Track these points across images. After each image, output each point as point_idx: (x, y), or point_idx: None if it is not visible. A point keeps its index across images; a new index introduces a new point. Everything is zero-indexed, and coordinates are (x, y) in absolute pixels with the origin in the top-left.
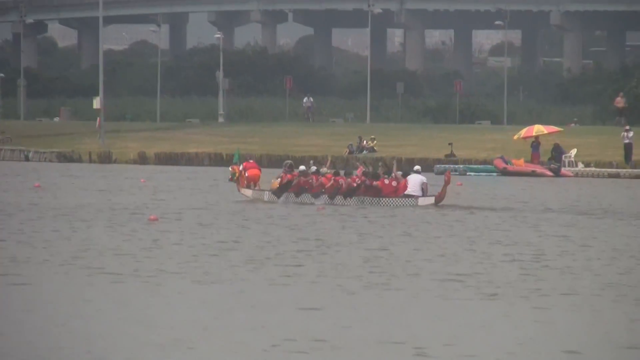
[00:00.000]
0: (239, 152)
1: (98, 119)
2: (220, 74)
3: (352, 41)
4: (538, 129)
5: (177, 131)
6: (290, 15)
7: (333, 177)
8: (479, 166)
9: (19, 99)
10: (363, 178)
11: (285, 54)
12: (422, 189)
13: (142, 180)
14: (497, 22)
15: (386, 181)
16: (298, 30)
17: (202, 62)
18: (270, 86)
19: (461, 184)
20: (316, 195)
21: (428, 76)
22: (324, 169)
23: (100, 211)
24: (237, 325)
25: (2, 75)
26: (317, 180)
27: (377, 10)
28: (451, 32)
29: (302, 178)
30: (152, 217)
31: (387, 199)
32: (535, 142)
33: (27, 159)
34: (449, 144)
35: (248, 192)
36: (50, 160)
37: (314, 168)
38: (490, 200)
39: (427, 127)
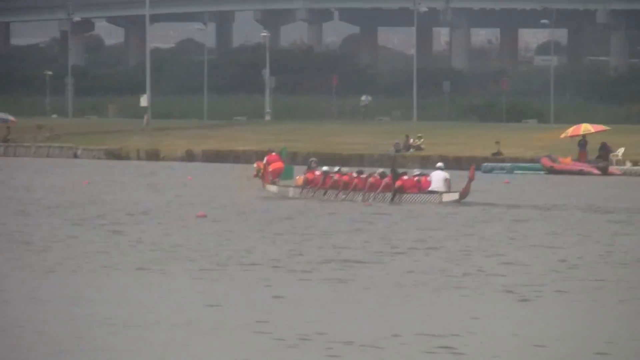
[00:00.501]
0: (285, 149)
1: (145, 116)
2: (266, 72)
3: (398, 40)
4: (585, 127)
5: (224, 129)
6: (336, 14)
7: (355, 176)
8: (526, 164)
9: (67, 96)
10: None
11: (331, 53)
12: (446, 185)
13: (189, 177)
14: (543, 21)
15: (406, 177)
16: (344, 29)
17: (249, 60)
18: (316, 84)
19: (508, 182)
20: (339, 192)
21: (474, 74)
22: (344, 169)
23: (151, 209)
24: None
25: (50, 73)
26: (340, 178)
27: (423, 8)
28: (497, 31)
29: (325, 176)
30: (200, 213)
31: (411, 195)
32: (583, 141)
33: (75, 156)
34: (496, 142)
35: (273, 188)
36: (99, 158)
37: (336, 168)
38: (535, 198)
39: (473, 126)
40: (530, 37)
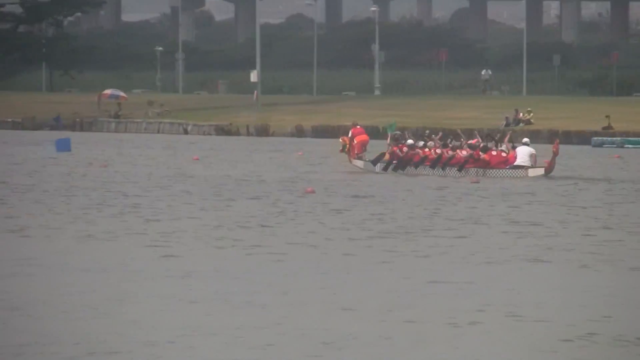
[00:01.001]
0: (395, 123)
1: (255, 92)
2: (376, 47)
3: (508, 13)
4: None
5: (333, 104)
6: None
7: (440, 150)
8: (637, 139)
9: (177, 72)
10: (469, 150)
11: (441, 27)
12: (532, 160)
13: (299, 152)
14: None
15: (494, 152)
16: (453, 3)
17: (358, 35)
18: (426, 59)
19: (618, 157)
20: (417, 165)
21: (584, 48)
22: (430, 143)
23: (261, 183)
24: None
25: (160, 49)
26: (423, 153)
27: None
28: (607, 4)
29: (409, 151)
30: (309, 189)
31: (496, 170)
32: None
33: (185, 132)
34: (606, 116)
35: (359, 163)
36: (209, 134)
37: (421, 143)
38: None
39: (583, 100)
40: None
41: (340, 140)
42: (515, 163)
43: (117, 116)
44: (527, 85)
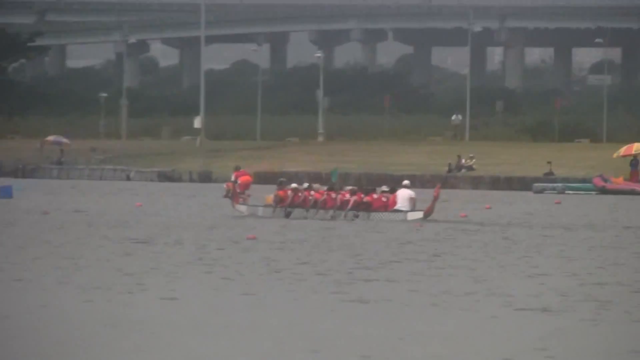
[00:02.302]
0: (337, 170)
1: (198, 137)
2: (320, 93)
3: (452, 59)
4: (637, 147)
5: (277, 150)
6: (391, 34)
7: (326, 193)
8: (578, 184)
9: (122, 118)
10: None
11: (385, 73)
12: (411, 204)
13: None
14: (597, 40)
15: (375, 196)
16: (398, 49)
17: (303, 80)
18: (370, 104)
19: (559, 202)
20: (308, 210)
21: (528, 94)
22: (316, 185)
23: (201, 229)
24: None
25: (105, 94)
26: (309, 195)
27: (477, 28)
28: (551, 50)
29: (295, 194)
30: (250, 235)
31: (377, 214)
32: (635, 160)
33: (128, 178)
34: (548, 162)
35: (243, 208)
36: (152, 180)
37: (306, 184)
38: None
39: (526, 145)
40: (584, 56)
41: (225, 186)
42: (395, 207)
43: (59, 162)
44: (470, 130)
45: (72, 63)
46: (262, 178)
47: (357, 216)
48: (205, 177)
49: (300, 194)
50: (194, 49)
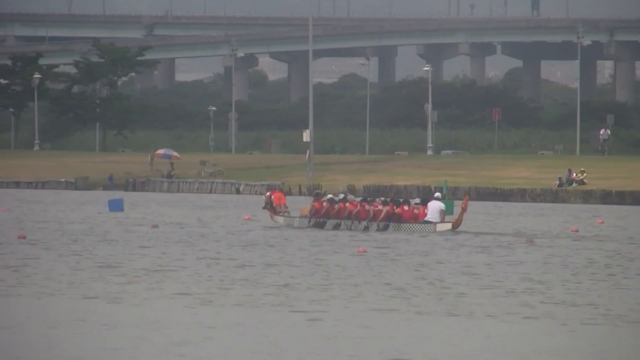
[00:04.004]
0: (446, 184)
1: (307, 151)
2: (428, 106)
3: (561, 73)
4: None
5: (386, 163)
6: (499, 48)
7: (359, 205)
8: None
9: (230, 132)
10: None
11: (494, 86)
12: (440, 216)
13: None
14: None
15: (406, 207)
16: (507, 63)
17: (411, 94)
18: (478, 118)
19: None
20: (340, 219)
21: (638, 108)
22: (350, 197)
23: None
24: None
25: (214, 108)
26: (344, 207)
27: (587, 42)
28: None
29: (331, 205)
30: (360, 249)
31: (407, 225)
32: None
33: (238, 191)
34: None
35: (280, 219)
36: (261, 193)
37: (341, 195)
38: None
39: (637, 160)
40: None
41: (263, 197)
42: (425, 219)
43: (169, 176)
44: (580, 144)
45: (180, 77)
46: (372, 191)
47: (386, 227)
48: (314, 191)
49: (335, 206)
50: (302, 63)
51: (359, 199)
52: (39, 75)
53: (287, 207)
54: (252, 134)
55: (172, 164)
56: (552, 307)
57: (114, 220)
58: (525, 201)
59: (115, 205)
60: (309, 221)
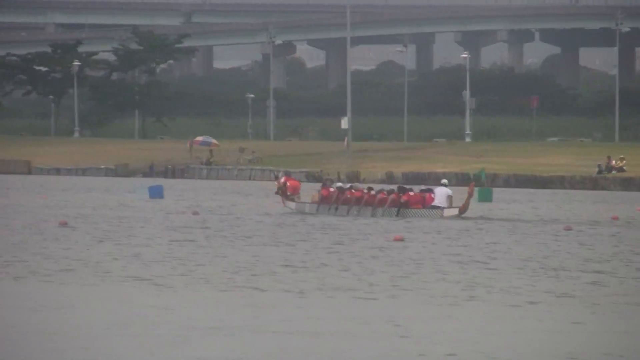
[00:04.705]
0: (484, 171)
1: (346, 138)
2: (466, 93)
3: (600, 60)
4: None
5: (424, 150)
6: (537, 35)
7: (365, 192)
8: None
9: (269, 119)
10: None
11: (532, 73)
12: (448, 202)
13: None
14: None
15: (412, 194)
16: (545, 49)
17: (449, 81)
18: (517, 105)
19: None
20: (350, 206)
21: None
22: (356, 185)
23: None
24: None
25: (252, 95)
26: (351, 194)
27: (626, 28)
28: None
29: (339, 192)
30: (397, 236)
31: (414, 210)
32: None
33: (276, 178)
34: None
35: (292, 205)
36: (300, 180)
37: (349, 184)
38: None
39: None
40: None
41: (276, 183)
42: (433, 204)
43: (208, 163)
44: (619, 131)
45: (218, 64)
46: (410, 178)
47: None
48: (354, 178)
49: (342, 193)
50: (340, 50)
51: (365, 187)
52: (79, 63)
53: (300, 198)
54: (290, 121)
55: (210, 151)
56: None
57: (155, 207)
58: (565, 188)
59: (156, 192)
60: (318, 207)
